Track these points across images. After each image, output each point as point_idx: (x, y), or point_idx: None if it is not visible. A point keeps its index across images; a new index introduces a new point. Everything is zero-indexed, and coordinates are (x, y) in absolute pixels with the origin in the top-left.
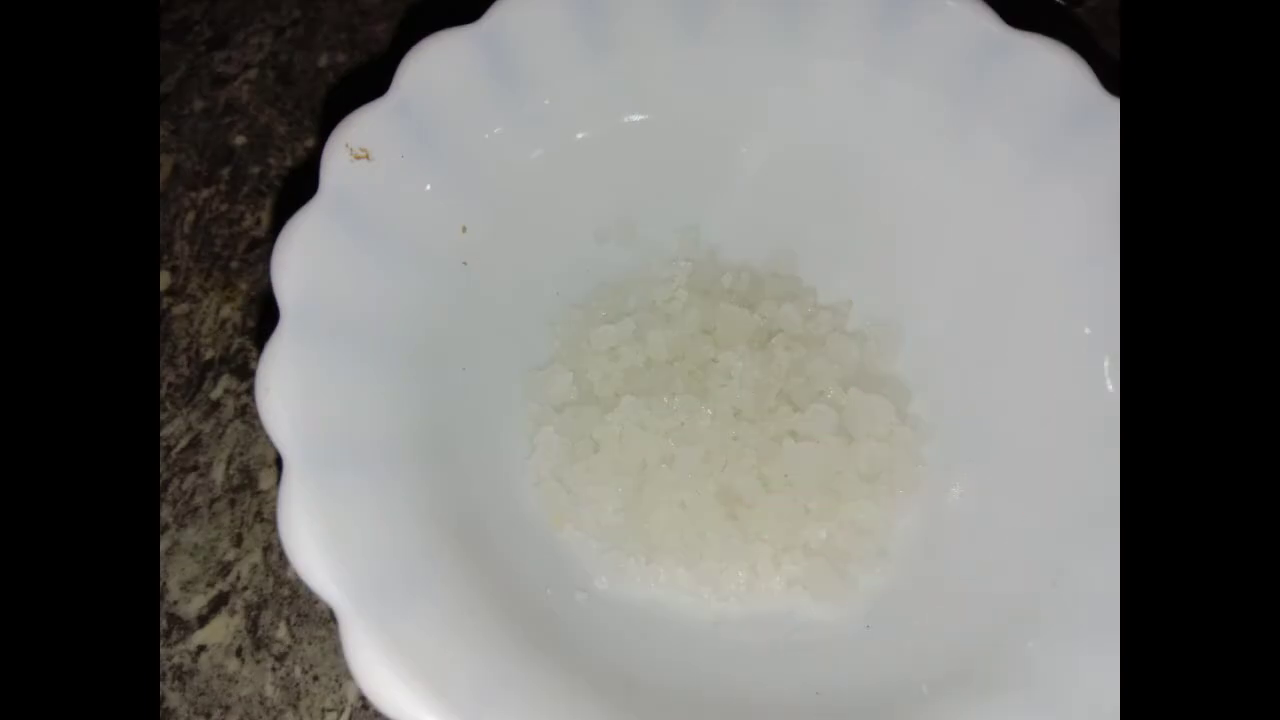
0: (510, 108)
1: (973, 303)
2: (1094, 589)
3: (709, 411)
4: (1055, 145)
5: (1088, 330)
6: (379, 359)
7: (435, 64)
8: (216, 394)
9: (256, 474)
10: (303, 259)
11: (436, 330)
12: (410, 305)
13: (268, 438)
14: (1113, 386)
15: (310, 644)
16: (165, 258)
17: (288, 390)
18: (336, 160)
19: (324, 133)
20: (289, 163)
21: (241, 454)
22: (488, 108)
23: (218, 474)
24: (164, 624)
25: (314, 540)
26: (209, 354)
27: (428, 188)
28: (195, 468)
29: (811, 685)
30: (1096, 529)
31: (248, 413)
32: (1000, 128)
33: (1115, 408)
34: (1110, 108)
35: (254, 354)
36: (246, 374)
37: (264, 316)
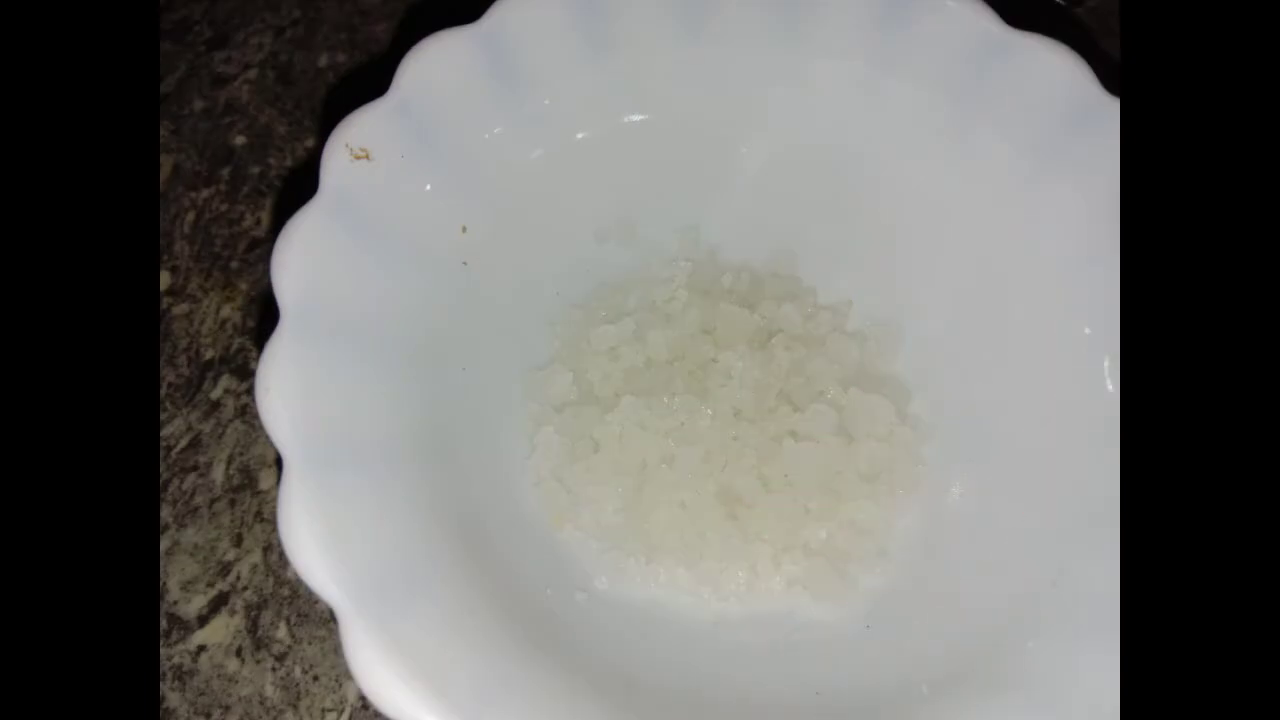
0: (510, 108)
1: (973, 303)
2: (1094, 589)
3: (709, 411)
4: (1055, 145)
5: (1088, 330)
6: (379, 359)
7: (435, 64)
8: (216, 394)
9: (256, 474)
10: (303, 259)
11: (436, 330)
12: (410, 305)
13: (268, 438)
14: (1113, 386)
15: (310, 644)
16: (165, 258)
17: (288, 390)
18: (336, 160)
19: (324, 133)
20: (289, 163)
21: (241, 454)
22: (488, 108)
23: (218, 474)
24: (164, 624)
25: (314, 540)
26: (209, 354)
27: (428, 188)
28: (195, 468)
29: (811, 685)
30: (1096, 529)
31: (248, 413)
32: (1000, 128)
33: (1115, 408)
34: (1110, 108)
35: (254, 354)
36: (246, 374)
37: (264, 316)
